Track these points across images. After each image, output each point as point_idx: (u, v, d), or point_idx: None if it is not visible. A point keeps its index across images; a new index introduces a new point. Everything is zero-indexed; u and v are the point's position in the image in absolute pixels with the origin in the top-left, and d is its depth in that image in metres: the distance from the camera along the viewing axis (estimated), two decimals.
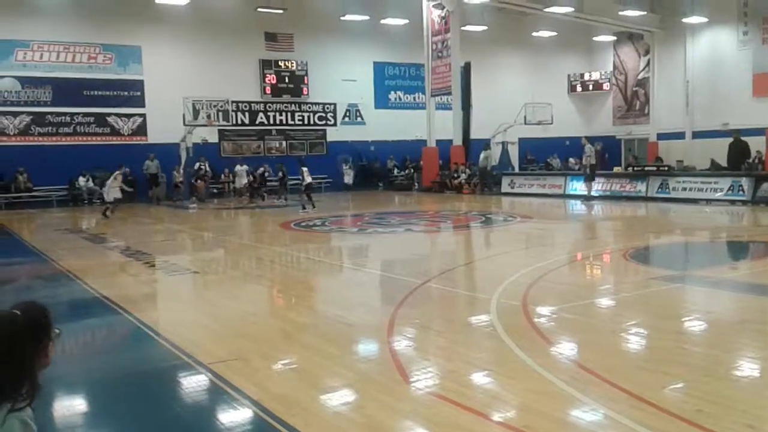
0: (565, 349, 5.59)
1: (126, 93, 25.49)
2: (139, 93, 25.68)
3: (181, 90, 24.31)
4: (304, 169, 19.41)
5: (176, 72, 25.70)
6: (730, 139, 22.00)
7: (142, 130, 25.82)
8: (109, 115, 25.26)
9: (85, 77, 24.67)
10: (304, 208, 19.02)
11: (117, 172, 18.95)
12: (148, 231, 16.44)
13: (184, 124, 24.09)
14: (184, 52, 26.25)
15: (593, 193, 20.79)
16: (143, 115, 25.78)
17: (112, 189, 18.29)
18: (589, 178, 20.65)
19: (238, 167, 24.70)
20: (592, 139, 22.71)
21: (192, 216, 19.63)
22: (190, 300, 8.61)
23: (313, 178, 20.65)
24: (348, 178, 27.94)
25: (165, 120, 24.87)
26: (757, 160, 22.63)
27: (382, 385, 4.76)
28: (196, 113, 24.26)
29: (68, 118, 24.60)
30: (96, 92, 24.91)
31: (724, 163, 22.35)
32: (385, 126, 30.10)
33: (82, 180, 23.71)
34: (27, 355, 2.08)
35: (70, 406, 4.76)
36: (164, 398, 4.82)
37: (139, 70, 25.63)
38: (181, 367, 5.33)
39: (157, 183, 24.70)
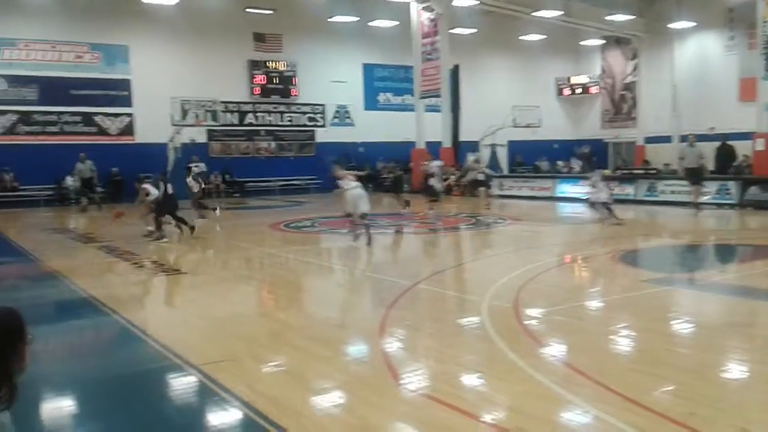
0: (556, 350, 5.60)
1: (113, 92, 25.31)
2: (126, 92, 25.50)
3: (169, 90, 24.22)
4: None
5: (164, 72, 25.57)
6: (717, 143, 22.19)
7: (129, 129, 25.65)
8: (96, 114, 25.07)
9: (72, 76, 24.47)
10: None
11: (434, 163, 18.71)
12: (137, 232, 16.28)
13: (172, 124, 23.96)
14: (172, 52, 26.11)
15: (701, 200, 17.59)
16: (130, 115, 25.61)
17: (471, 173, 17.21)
18: (697, 182, 17.54)
19: (433, 163, 19.62)
20: (581, 143, 22.61)
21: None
22: (179, 300, 8.56)
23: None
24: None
25: (153, 120, 24.74)
26: (744, 164, 22.84)
27: (373, 386, 4.74)
28: (184, 113, 24.17)
29: (55, 117, 24.40)
30: (83, 91, 24.71)
31: (711, 166, 22.52)
32: (375, 127, 30.09)
33: (69, 180, 23.50)
34: (4, 359, 2.10)
35: (59, 407, 4.71)
36: (154, 400, 4.78)
37: (126, 69, 25.46)
38: (171, 368, 5.29)
39: (92, 188, 22.47)
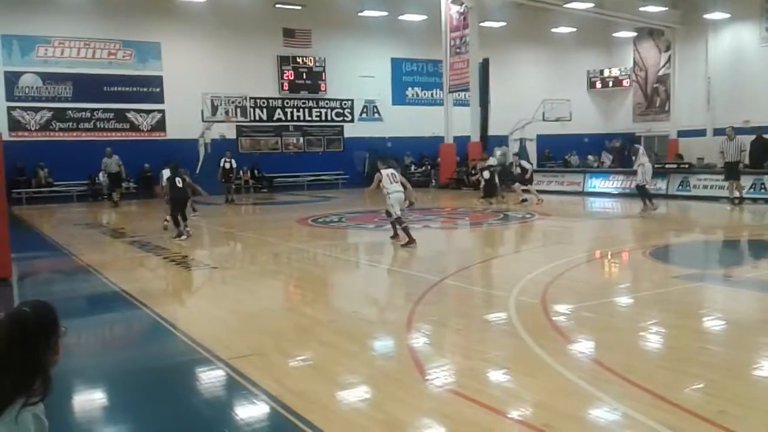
0: (585, 347, 5.54)
1: (145, 89, 25.65)
2: (158, 89, 25.83)
3: (199, 86, 24.45)
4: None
5: (195, 68, 25.82)
6: (752, 137, 21.69)
7: (161, 125, 25.98)
8: (128, 110, 25.44)
9: (105, 73, 24.84)
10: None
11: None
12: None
13: (203, 120, 24.20)
14: (202, 49, 26.36)
15: (736, 194, 17.41)
16: (162, 111, 25.94)
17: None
18: (733, 177, 17.36)
19: (491, 160, 19.35)
20: (612, 137, 22.14)
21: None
22: (208, 295, 8.66)
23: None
24: None
25: (184, 116, 25.02)
26: None
27: (400, 382, 4.75)
28: (214, 109, 24.39)
29: (88, 114, 24.81)
30: (116, 88, 25.07)
31: (746, 160, 22.01)
32: (403, 122, 30.05)
33: (101, 175, 23.89)
34: (39, 353, 2.15)
35: (90, 399, 4.80)
36: (183, 393, 4.84)
37: (158, 66, 25.78)
38: (200, 362, 5.35)
39: (119, 183, 22.53)
